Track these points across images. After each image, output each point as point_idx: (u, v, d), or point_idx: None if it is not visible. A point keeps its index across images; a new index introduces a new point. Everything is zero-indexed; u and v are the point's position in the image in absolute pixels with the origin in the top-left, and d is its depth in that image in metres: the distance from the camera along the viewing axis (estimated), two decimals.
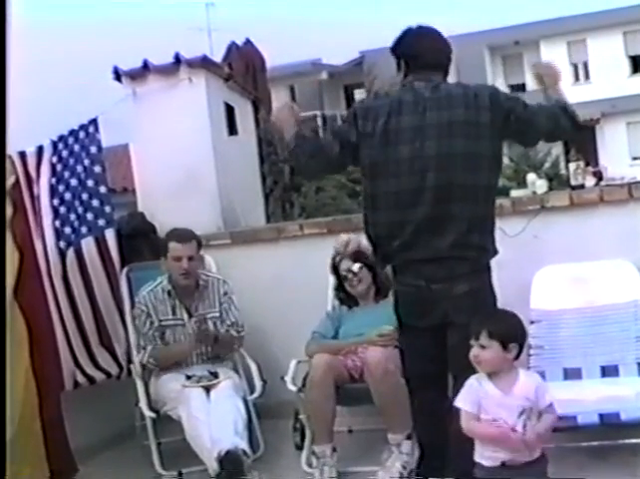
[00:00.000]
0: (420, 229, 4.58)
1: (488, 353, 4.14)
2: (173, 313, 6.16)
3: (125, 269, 6.64)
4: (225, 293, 6.24)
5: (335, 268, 6.14)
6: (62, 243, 6.41)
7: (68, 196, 6.47)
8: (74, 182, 6.51)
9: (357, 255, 5.99)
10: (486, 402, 4.16)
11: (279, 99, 34.91)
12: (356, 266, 5.97)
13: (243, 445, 5.45)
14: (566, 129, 4.63)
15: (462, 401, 4.19)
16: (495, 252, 4.71)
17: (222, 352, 6.18)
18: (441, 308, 4.59)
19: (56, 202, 6.42)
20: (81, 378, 6.37)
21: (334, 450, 5.53)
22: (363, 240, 5.56)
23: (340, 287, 6.15)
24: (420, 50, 4.77)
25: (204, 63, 7.34)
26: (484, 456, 4.14)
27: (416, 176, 4.56)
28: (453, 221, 4.54)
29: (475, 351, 4.16)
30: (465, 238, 4.55)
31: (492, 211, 4.67)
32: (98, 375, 6.48)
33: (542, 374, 5.54)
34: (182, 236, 6.13)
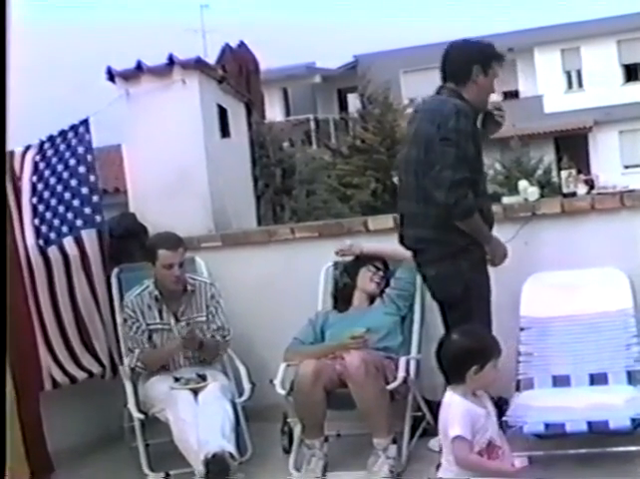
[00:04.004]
0: (402, 222, 5.68)
1: (490, 378, 4.14)
2: (161, 318, 6.14)
3: (115, 270, 6.63)
4: (212, 297, 6.22)
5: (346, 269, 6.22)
6: (41, 241, 6.39)
7: (47, 194, 6.46)
8: (53, 180, 6.48)
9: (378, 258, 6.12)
10: (477, 423, 4.07)
11: (272, 102, 34.80)
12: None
13: (230, 448, 5.44)
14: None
15: (460, 428, 4.03)
16: (461, 243, 5.39)
17: (207, 357, 6.16)
18: (429, 287, 5.69)
19: (35, 200, 6.42)
20: (61, 377, 6.33)
21: (326, 440, 5.58)
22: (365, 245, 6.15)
23: (339, 289, 6.17)
24: (441, 64, 5.61)
25: (198, 64, 7.33)
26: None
27: (399, 176, 5.71)
28: (414, 217, 5.52)
29: (482, 383, 4.16)
30: (423, 232, 5.47)
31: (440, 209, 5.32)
32: (80, 374, 6.44)
33: (531, 381, 5.56)
34: (171, 242, 6.08)
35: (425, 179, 5.34)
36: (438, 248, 5.44)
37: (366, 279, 6.04)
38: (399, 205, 5.72)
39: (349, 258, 6.21)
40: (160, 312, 6.14)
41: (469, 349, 4.16)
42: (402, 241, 5.74)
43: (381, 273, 6.05)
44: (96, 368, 6.56)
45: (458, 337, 4.28)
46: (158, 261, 6.05)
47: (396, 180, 6.01)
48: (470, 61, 5.50)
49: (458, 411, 4.07)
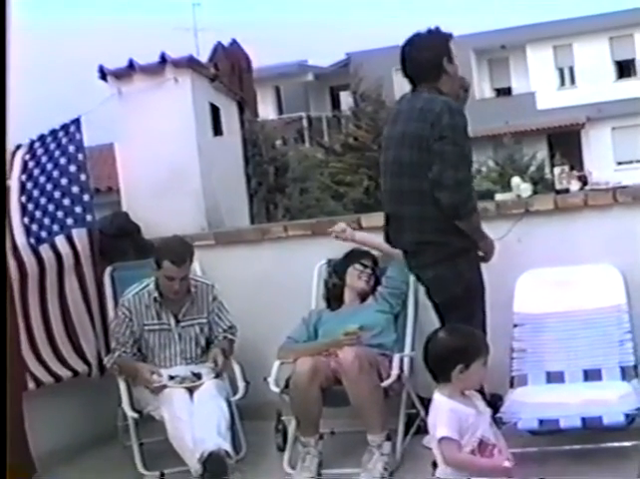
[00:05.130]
0: (392, 225, 5.57)
1: (477, 377, 4.12)
2: (159, 318, 6.09)
3: (108, 269, 6.62)
4: (214, 299, 6.19)
5: (335, 268, 6.20)
6: (32, 240, 6.37)
7: (36, 193, 6.45)
8: (42, 179, 6.48)
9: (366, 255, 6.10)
10: (465, 423, 4.03)
11: (265, 100, 34.77)
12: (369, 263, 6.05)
13: (226, 446, 5.43)
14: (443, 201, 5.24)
15: (446, 429, 4.01)
16: (460, 244, 5.35)
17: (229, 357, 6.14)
18: (426, 289, 5.63)
19: (24, 199, 6.41)
20: (44, 376, 6.25)
21: (321, 438, 5.57)
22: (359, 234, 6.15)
23: (329, 289, 6.16)
24: (403, 63, 5.50)
25: (190, 63, 7.33)
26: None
27: (386, 179, 5.58)
28: (409, 220, 5.41)
29: (469, 382, 4.13)
30: (420, 236, 5.38)
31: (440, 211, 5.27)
32: (64, 373, 6.39)
33: (525, 378, 5.56)
34: (178, 255, 5.94)
35: (421, 180, 5.29)
36: (435, 251, 5.38)
37: (354, 277, 6.04)
38: (389, 208, 5.61)
39: (340, 256, 6.19)
40: (159, 313, 6.09)
41: (453, 348, 4.11)
42: (390, 243, 5.70)
43: (369, 271, 6.04)
44: (81, 367, 6.52)
45: (443, 336, 4.23)
46: (161, 269, 5.97)
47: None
48: (437, 55, 5.44)
49: (443, 412, 4.05)
